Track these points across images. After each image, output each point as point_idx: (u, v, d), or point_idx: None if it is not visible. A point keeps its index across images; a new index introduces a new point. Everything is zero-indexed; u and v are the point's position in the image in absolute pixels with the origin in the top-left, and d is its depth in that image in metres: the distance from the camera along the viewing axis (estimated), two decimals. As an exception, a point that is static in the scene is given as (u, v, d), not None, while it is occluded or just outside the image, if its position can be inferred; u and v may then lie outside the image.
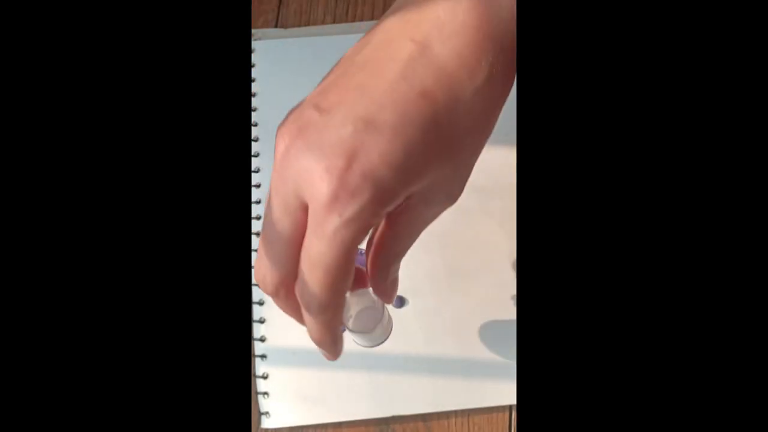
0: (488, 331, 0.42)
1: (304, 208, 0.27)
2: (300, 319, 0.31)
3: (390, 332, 0.39)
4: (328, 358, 0.33)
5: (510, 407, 0.41)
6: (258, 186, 0.44)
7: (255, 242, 0.43)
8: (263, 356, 0.42)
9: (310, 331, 0.31)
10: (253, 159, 0.45)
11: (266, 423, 0.42)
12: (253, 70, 0.47)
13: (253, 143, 0.46)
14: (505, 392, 0.41)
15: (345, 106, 0.26)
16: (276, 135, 0.27)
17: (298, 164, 0.26)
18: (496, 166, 0.44)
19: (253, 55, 0.48)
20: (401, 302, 0.43)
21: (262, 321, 0.42)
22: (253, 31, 0.49)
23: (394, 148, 0.26)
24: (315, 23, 0.49)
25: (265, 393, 0.42)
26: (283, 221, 0.27)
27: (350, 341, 0.38)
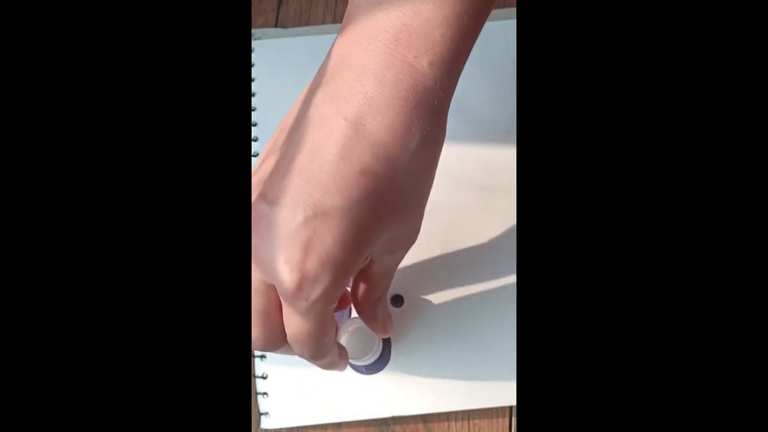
0: (488, 332, 0.42)
1: (274, 288, 0.30)
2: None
3: (380, 348, 0.41)
4: (340, 371, 0.37)
5: (510, 408, 0.41)
6: (258, 186, 0.44)
7: (255, 242, 0.43)
8: (263, 356, 0.42)
9: (313, 363, 0.35)
10: (252, 159, 0.45)
11: (265, 423, 0.42)
12: (252, 69, 0.47)
13: (252, 143, 0.46)
14: (505, 393, 0.41)
15: (291, 194, 0.28)
16: None
17: (259, 257, 0.29)
18: (496, 166, 0.44)
19: (252, 55, 0.48)
20: (400, 302, 0.43)
21: (261, 321, 0.42)
22: (252, 30, 0.48)
23: (345, 228, 0.28)
24: (315, 23, 0.49)
25: (265, 393, 0.42)
26: (256, 300, 0.30)
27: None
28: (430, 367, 0.42)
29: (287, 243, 0.28)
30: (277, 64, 0.47)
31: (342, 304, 0.37)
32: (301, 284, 0.28)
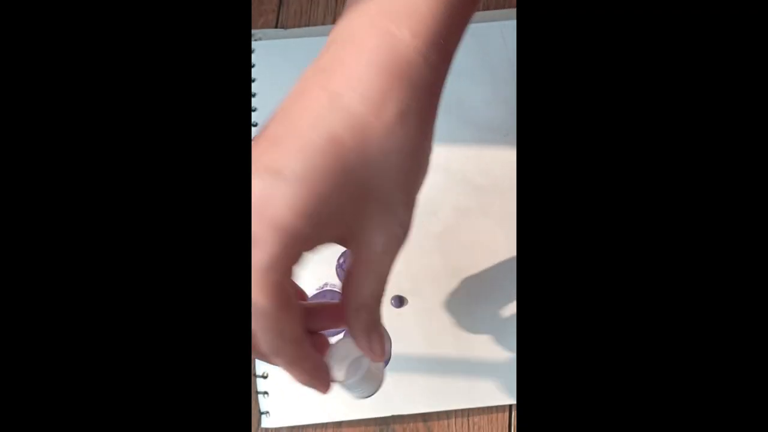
0: (488, 331, 0.42)
1: None
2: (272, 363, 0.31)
3: (381, 380, 0.35)
4: (320, 392, 0.32)
5: (510, 407, 0.41)
6: (258, 186, 0.44)
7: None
8: (263, 356, 0.42)
9: (289, 374, 0.31)
10: (253, 159, 0.45)
11: (266, 422, 0.42)
12: (253, 70, 0.48)
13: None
14: (505, 392, 0.41)
15: (257, 161, 0.27)
16: None
17: None
18: (496, 166, 0.44)
19: (253, 55, 0.48)
20: (401, 302, 0.43)
21: (262, 321, 0.42)
22: (253, 31, 0.49)
23: (302, 196, 0.26)
24: (315, 23, 0.49)
25: (265, 392, 0.42)
26: None
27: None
28: (430, 366, 0.42)
29: None
30: (277, 64, 0.48)
31: (333, 320, 0.33)
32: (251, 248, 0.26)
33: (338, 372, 0.33)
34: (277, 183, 0.26)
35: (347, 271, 0.31)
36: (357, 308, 0.31)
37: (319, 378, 0.31)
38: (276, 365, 0.31)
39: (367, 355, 0.32)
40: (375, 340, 0.32)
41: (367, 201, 0.28)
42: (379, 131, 0.27)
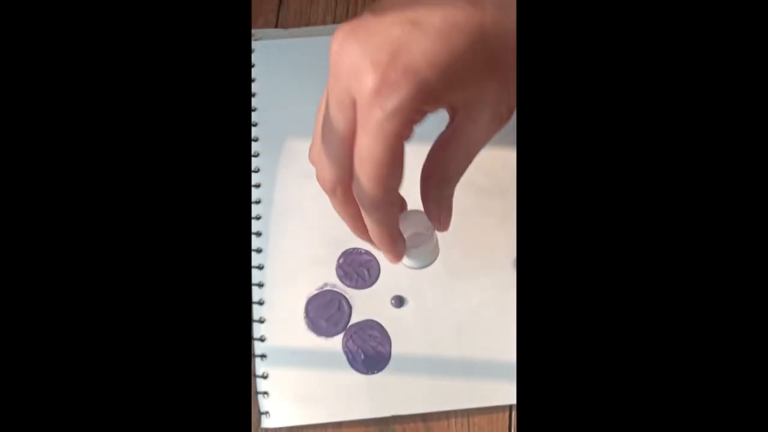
0: (488, 331, 0.42)
1: (354, 107, 0.29)
2: (354, 226, 0.33)
3: (437, 256, 0.39)
4: (390, 260, 0.34)
5: (510, 407, 0.41)
6: (258, 186, 0.44)
7: (255, 242, 0.43)
8: (263, 356, 0.42)
9: (370, 233, 0.33)
10: (252, 159, 0.45)
11: (266, 423, 0.42)
12: (253, 70, 0.47)
13: (252, 143, 0.46)
14: (505, 392, 0.41)
15: (396, 9, 0.28)
16: (332, 38, 0.29)
17: (349, 60, 0.28)
18: (496, 166, 0.44)
19: (253, 55, 0.48)
20: (401, 302, 0.43)
21: (261, 321, 0.42)
22: (253, 31, 0.48)
23: (437, 49, 0.27)
24: (315, 23, 0.49)
25: (265, 393, 0.42)
26: (338, 118, 0.29)
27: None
28: (430, 367, 0.42)
29: (378, 47, 0.28)
30: (277, 64, 0.47)
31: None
32: (380, 88, 0.27)
33: (414, 242, 0.35)
34: (416, 32, 0.27)
35: (438, 145, 0.32)
36: (442, 180, 0.32)
37: (398, 243, 0.33)
38: (350, 223, 0.32)
39: (435, 223, 0.34)
40: (446, 212, 0.34)
41: (493, 71, 0.29)
42: (515, 6, 0.27)
